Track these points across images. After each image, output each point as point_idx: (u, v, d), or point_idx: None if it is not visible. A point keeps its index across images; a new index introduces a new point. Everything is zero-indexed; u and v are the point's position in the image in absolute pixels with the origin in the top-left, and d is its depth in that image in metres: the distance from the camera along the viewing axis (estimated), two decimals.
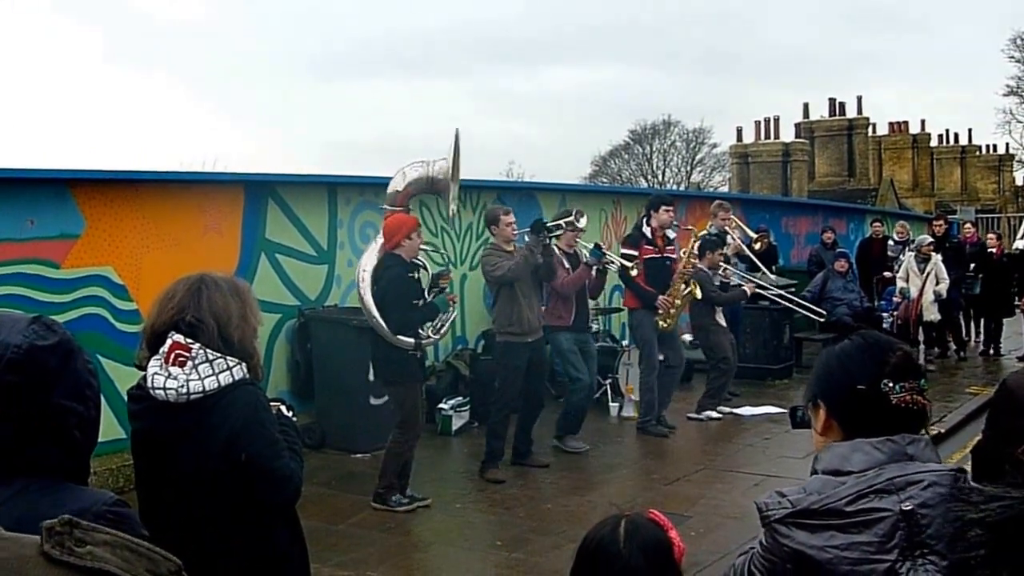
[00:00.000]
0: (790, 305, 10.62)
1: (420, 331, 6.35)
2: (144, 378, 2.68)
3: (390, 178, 7.01)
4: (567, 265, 7.89)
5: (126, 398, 2.78)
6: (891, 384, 1.81)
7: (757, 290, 9.85)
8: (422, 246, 6.57)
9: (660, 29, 76.34)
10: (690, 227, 9.82)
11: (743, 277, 9.81)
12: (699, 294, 8.95)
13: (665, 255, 8.64)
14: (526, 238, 7.37)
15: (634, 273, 8.21)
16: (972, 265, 13.42)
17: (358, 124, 73.22)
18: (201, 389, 2.61)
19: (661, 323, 8.59)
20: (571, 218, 7.68)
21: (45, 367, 1.52)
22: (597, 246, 7.98)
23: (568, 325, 7.87)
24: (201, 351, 2.63)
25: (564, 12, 78.90)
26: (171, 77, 70.67)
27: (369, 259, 6.58)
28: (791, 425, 2.11)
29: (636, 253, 8.44)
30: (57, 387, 1.53)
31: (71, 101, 60.76)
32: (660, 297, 8.48)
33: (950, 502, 1.66)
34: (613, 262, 8.27)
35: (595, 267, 7.95)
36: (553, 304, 7.87)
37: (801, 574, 1.71)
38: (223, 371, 2.64)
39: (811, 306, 10.82)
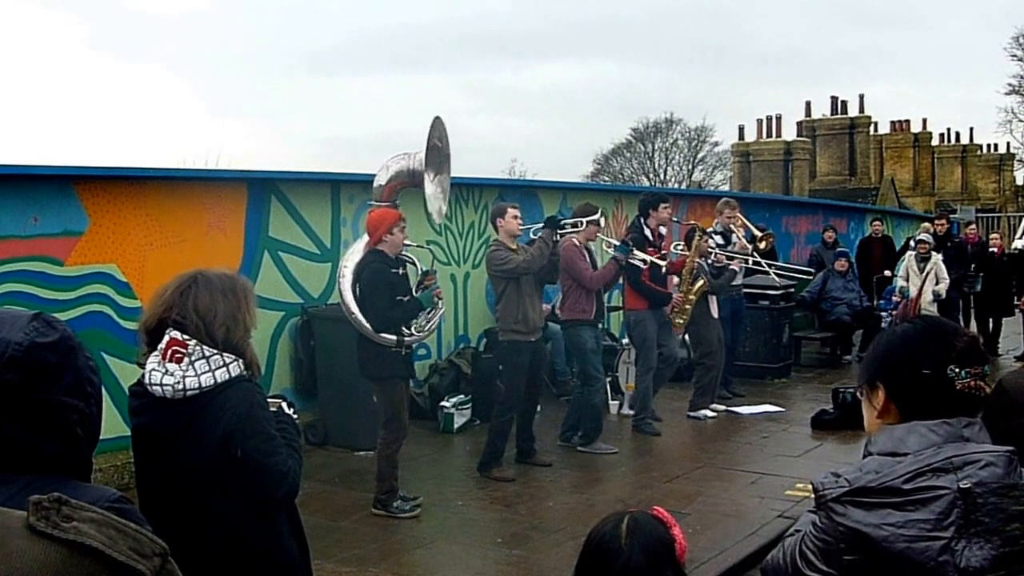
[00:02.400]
0: (771, 272, 10.23)
1: (404, 328, 6.25)
2: (143, 374, 2.70)
3: None
4: (587, 260, 7.96)
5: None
6: (957, 369, 1.83)
7: (742, 264, 9.64)
8: (407, 242, 6.47)
9: (662, 26, 76.39)
10: (692, 222, 9.79)
11: (729, 256, 9.55)
12: (707, 288, 8.96)
13: (662, 252, 8.70)
14: (531, 234, 7.36)
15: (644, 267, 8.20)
16: (973, 265, 13.41)
17: (357, 120, 73.34)
18: (197, 385, 2.63)
19: (677, 320, 8.64)
20: (594, 216, 7.73)
21: (46, 364, 1.52)
22: (624, 242, 8.00)
23: (590, 319, 7.92)
24: (198, 348, 2.64)
25: (565, 8, 78.91)
26: (171, 74, 70.80)
27: (353, 256, 6.53)
28: (832, 406, 2.11)
29: (647, 258, 8.45)
30: (58, 384, 1.53)
31: (74, 99, 60.75)
32: (676, 295, 8.52)
33: (1005, 486, 1.69)
34: (637, 259, 8.17)
35: (622, 262, 7.98)
36: (576, 298, 7.86)
37: (855, 553, 1.73)
38: (219, 368, 2.66)
39: (793, 267, 10.54)
